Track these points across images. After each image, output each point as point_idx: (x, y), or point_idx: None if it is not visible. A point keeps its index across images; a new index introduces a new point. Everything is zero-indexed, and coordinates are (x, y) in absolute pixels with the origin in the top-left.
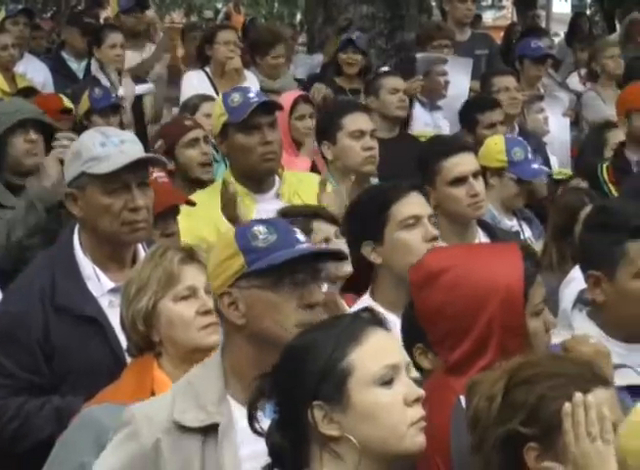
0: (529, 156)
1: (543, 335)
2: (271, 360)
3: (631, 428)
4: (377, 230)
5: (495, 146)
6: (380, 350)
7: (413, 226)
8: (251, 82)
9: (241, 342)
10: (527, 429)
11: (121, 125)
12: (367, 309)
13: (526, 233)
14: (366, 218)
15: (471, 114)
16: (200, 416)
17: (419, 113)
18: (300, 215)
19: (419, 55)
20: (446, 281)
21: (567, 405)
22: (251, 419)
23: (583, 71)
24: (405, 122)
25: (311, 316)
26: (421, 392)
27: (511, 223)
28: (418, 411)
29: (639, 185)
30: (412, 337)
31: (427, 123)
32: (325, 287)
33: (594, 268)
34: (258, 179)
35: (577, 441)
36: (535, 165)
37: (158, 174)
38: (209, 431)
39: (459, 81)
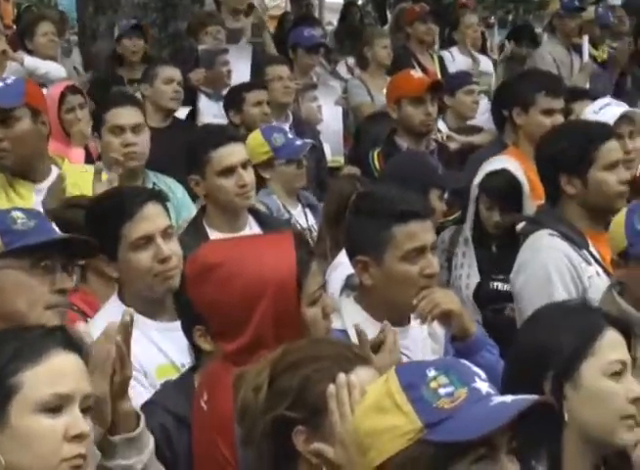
0: (290, 136)
1: (322, 322)
2: None
3: (364, 408)
4: (111, 249)
5: (255, 140)
6: (56, 374)
7: (144, 247)
8: (29, 63)
9: None
10: (294, 413)
11: None
12: (61, 328)
13: (310, 220)
14: (101, 232)
15: (238, 93)
16: None
17: (206, 105)
18: (81, 207)
19: (201, 47)
20: (220, 275)
21: (331, 386)
22: None
23: (350, 60)
24: (192, 114)
25: (61, 300)
26: (85, 428)
27: (295, 211)
28: (76, 448)
29: (398, 171)
30: (191, 319)
31: (215, 115)
32: None
33: (362, 253)
34: (22, 171)
35: (343, 420)
36: (299, 142)
37: None
38: None
39: (241, 70)
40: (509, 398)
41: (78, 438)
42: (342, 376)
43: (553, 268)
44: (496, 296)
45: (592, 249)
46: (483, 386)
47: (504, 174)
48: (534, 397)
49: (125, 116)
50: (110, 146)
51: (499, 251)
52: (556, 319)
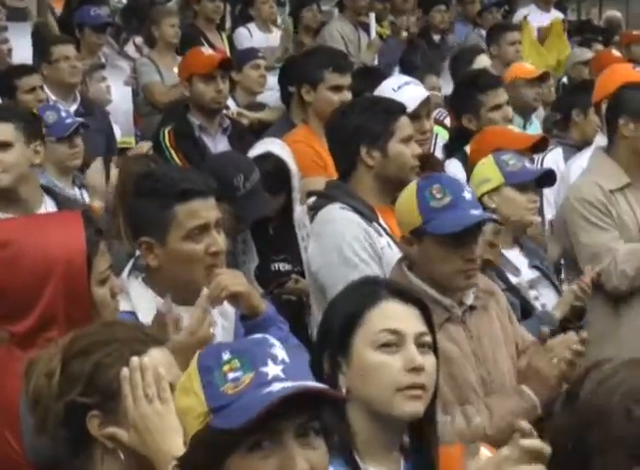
0: (63, 114)
1: (110, 302)
2: None
3: (180, 385)
4: None
5: None
6: None
7: None
8: None
9: None
10: (87, 398)
11: None
12: None
13: (87, 201)
14: None
15: (9, 80)
16: None
17: None
18: None
19: None
20: (6, 256)
21: (124, 370)
22: None
23: (138, 39)
24: None
25: None
26: None
27: (72, 192)
28: None
29: (212, 166)
30: None
31: None
32: None
33: (145, 234)
34: None
35: (136, 403)
36: (69, 120)
37: None
38: None
39: (22, 47)
40: (288, 383)
41: None
42: (134, 359)
43: (350, 238)
44: (279, 276)
45: (382, 221)
46: (274, 370)
47: (269, 157)
48: (306, 384)
49: None
50: None
51: (275, 232)
52: (338, 296)
